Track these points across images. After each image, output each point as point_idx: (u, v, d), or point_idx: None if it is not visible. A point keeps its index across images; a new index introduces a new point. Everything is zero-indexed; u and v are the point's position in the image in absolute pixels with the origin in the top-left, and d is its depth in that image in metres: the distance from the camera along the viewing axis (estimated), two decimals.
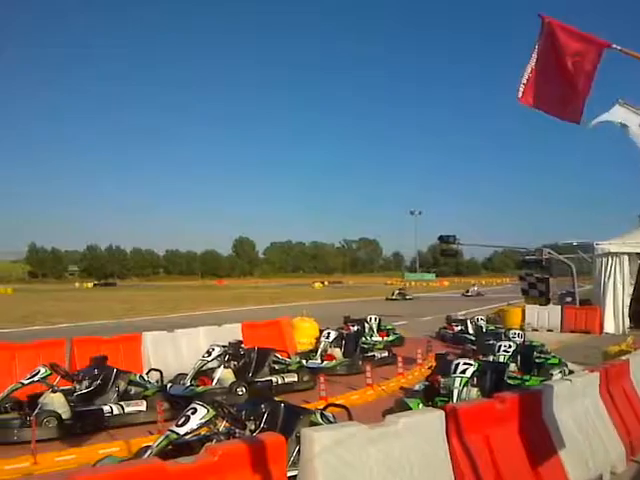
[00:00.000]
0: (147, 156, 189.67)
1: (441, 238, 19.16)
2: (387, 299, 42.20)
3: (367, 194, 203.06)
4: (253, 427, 5.12)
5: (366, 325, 15.38)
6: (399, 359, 11.10)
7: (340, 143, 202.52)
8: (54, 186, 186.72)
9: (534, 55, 4.17)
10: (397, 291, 45.74)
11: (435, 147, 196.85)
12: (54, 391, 7.41)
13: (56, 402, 7.30)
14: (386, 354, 12.83)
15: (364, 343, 12.96)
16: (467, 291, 49.56)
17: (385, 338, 15.18)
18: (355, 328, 14.19)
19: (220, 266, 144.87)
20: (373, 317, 15.96)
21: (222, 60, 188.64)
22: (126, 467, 3.01)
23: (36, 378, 7.42)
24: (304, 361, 10.94)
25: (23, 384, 7.42)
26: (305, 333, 14.15)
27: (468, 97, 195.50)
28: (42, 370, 7.47)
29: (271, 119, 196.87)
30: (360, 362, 11.46)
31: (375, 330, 15.46)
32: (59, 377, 7.58)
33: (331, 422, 5.34)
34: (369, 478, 3.53)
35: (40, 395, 7.44)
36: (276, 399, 5.77)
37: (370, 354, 12.36)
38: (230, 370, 9.15)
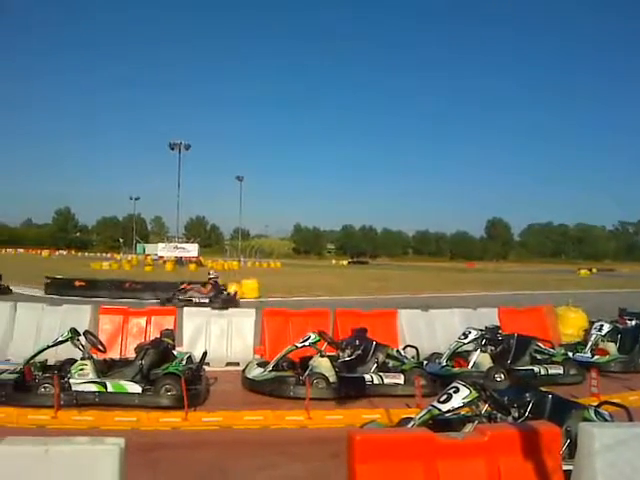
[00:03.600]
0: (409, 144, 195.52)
1: None
2: None
3: None
4: (516, 415, 4.86)
5: None
6: None
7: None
8: (313, 175, 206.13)
9: None
10: None
11: None
12: (322, 356, 8.12)
13: (324, 366, 8.00)
14: None
15: None
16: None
17: None
18: (633, 322, 12.35)
19: (471, 248, 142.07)
20: None
21: None
22: (401, 432, 3.11)
23: (307, 342, 8.23)
24: (570, 353, 9.99)
25: (297, 347, 8.30)
26: (571, 324, 12.87)
27: None
28: (312, 336, 8.25)
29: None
30: None
31: None
32: (325, 344, 8.24)
33: (607, 420, 4.78)
34: None
35: (309, 358, 8.24)
36: (542, 390, 5.37)
37: None
38: (487, 355, 8.83)
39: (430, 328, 10.91)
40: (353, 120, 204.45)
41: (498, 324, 10.34)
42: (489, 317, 11.06)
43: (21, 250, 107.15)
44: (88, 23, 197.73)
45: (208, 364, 8.63)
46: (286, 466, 5.27)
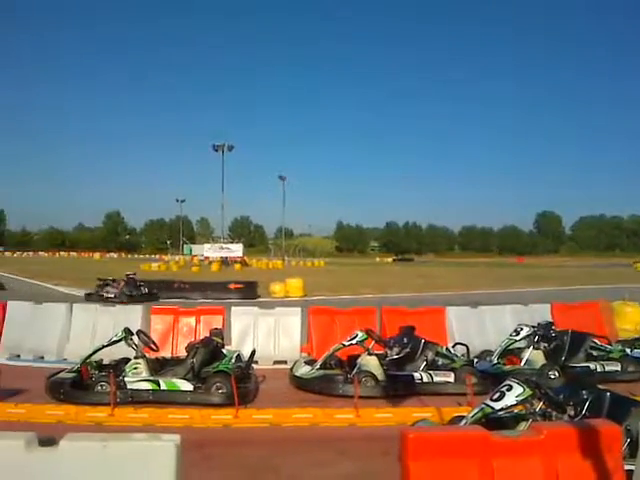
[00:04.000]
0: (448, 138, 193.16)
1: None
2: None
3: None
4: (572, 413, 4.70)
5: None
6: None
7: None
8: (355, 173, 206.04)
9: None
10: None
11: None
12: (370, 354, 8.08)
13: (372, 364, 7.96)
14: None
15: None
16: None
17: None
18: None
19: (520, 243, 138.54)
20: None
21: None
22: (455, 430, 3.07)
23: (354, 341, 8.20)
24: (628, 350, 9.59)
25: (344, 345, 8.27)
26: (628, 319, 12.40)
27: None
28: (360, 334, 8.21)
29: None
30: None
31: None
32: (373, 342, 8.20)
33: None
34: None
35: (357, 356, 8.21)
36: (600, 387, 5.18)
37: None
38: (540, 352, 8.59)
39: (480, 325, 10.68)
40: (394, 117, 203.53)
41: (551, 320, 10.05)
42: (541, 313, 10.76)
43: (74, 253, 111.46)
44: (127, 27, 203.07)
45: (256, 362, 8.72)
46: (337, 463, 5.26)
